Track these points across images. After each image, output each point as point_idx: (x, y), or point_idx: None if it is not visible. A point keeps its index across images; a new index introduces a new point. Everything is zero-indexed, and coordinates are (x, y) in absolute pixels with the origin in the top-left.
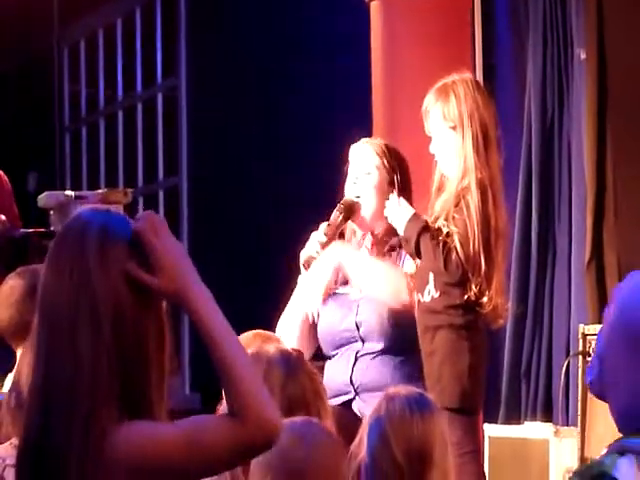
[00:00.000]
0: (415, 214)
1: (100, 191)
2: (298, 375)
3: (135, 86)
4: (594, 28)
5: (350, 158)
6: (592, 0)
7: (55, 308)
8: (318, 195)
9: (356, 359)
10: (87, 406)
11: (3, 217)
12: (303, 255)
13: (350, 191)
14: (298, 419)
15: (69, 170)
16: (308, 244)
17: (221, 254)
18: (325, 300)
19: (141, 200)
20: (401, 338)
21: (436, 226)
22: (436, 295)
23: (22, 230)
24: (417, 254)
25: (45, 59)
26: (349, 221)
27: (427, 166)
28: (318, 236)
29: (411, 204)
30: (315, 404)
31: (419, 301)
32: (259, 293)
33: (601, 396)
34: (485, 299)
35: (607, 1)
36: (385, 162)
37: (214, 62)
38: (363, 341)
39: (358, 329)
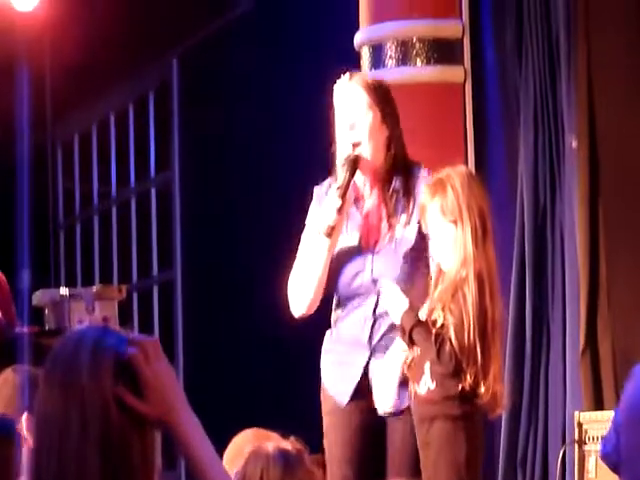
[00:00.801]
0: (411, 306)
1: (94, 288)
2: (297, 473)
3: (129, 181)
4: (585, 116)
5: (337, 100)
6: (583, 88)
7: (48, 421)
8: None
9: (375, 319)
10: None
11: None
12: (323, 223)
13: (347, 137)
14: None
15: (63, 267)
16: (325, 211)
17: (215, 347)
18: (345, 247)
19: (135, 295)
20: (414, 292)
21: (432, 317)
22: (432, 386)
23: (17, 329)
24: (411, 344)
25: (39, 155)
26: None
27: None
28: (332, 202)
29: (399, 129)
30: None
31: (415, 392)
32: (255, 386)
33: (615, 469)
34: (482, 389)
35: (597, 89)
36: (376, 99)
37: (207, 156)
38: (378, 296)
39: (375, 284)
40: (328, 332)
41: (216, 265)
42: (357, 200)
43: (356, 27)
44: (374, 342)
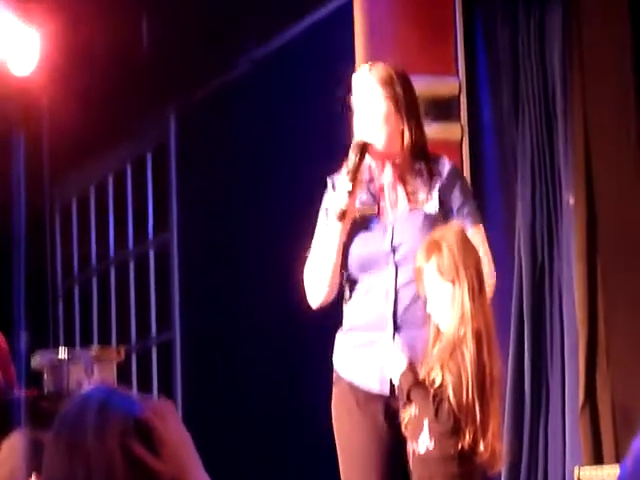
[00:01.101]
0: (409, 366)
1: (93, 350)
2: None
3: (127, 243)
4: (582, 173)
5: (354, 90)
6: (579, 145)
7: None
8: (317, 340)
9: (396, 293)
10: None
11: None
12: (335, 207)
13: (360, 126)
14: None
15: (62, 329)
16: (336, 195)
17: (215, 408)
18: (359, 222)
19: (134, 357)
20: None
21: (430, 377)
22: (431, 445)
23: (15, 392)
24: (409, 403)
25: (37, 219)
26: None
27: None
28: (343, 186)
29: (417, 119)
30: None
31: (414, 452)
32: (256, 447)
33: None
34: (482, 447)
35: (594, 146)
36: (388, 90)
37: (206, 218)
38: (397, 267)
39: (394, 253)
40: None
41: (215, 327)
42: (372, 181)
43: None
44: (399, 316)
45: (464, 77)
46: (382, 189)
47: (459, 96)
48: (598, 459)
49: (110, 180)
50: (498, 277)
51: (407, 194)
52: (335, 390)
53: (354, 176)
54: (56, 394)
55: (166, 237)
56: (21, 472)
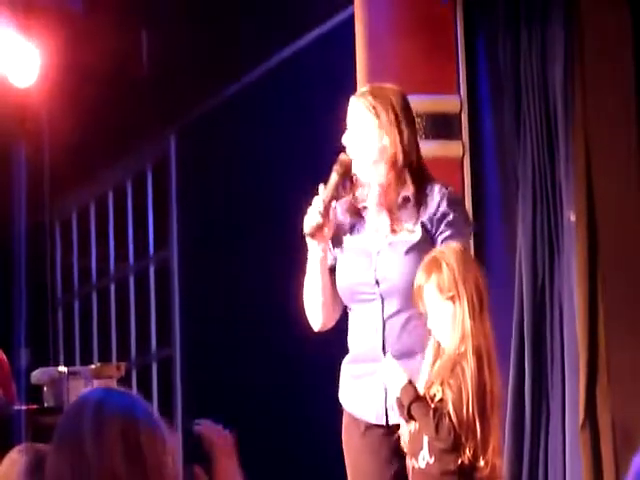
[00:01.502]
0: (409, 382)
1: (93, 366)
2: None
3: (127, 258)
4: (584, 191)
5: (349, 109)
6: (581, 163)
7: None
8: (319, 354)
9: (384, 323)
10: None
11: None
12: (307, 223)
13: (348, 144)
14: None
15: (62, 345)
16: (310, 210)
17: (215, 421)
18: (342, 249)
19: (134, 372)
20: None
21: (431, 392)
22: (431, 461)
23: (15, 407)
24: (410, 419)
25: (37, 233)
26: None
27: None
28: (318, 202)
29: (407, 139)
30: None
31: (413, 467)
32: (258, 462)
33: None
34: (482, 462)
35: (596, 164)
36: (373, 111)
37: (206, 234)
38: (382, 299)
39: (378, 285)
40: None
41: (215, 342)
42: (359, 210)
43: None
44: (387, 348)
45: (465, 95)
46: (366, 215)
47: (460, 114)
48: (598, 478)
49: (110, 196)
50: (499, 295)
51: (391, 222)
52: (344, 418)
53: (331, 192)
54: (56, 409)
55: (166, 253)
56: None
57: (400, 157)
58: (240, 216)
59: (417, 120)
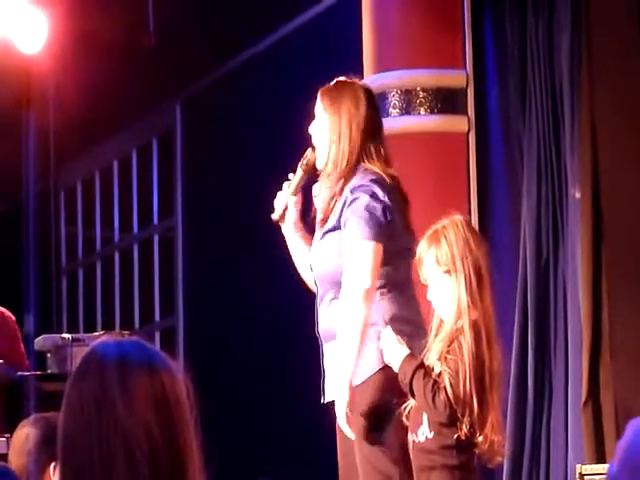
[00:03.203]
0: (410, 354)
1: (97, 334)
2: None
3: (131, 227)
4: (589, 167)
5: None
6: (586, 139)
7: (81, 450)
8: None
9: (317, 311)
10: None
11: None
12: (274, 210)
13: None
14: None
15: (66, 312)
16: (276, 200)
17: (217, 391)
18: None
19: None
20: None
21: (431, 365)
22: (430, 435)
23: (19, 373)
24: (411, 393)
25: (42, 201)
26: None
27: None
28: (283, 194)
29: (339, 137)
30: None
31: (414, 441)
32: (257, 431)
33: None
34: (480, 438)
35: (601, 140)
36: (325, 106)
37: (210, 203)
38: (317, 285)
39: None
40: None
41: (218, 312)
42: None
43: (360, 76)
44: (320, 332)
45: (471, 70)
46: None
47: (466, 89)
48: (600, 456)
49: (115, 165)
50: (502, 270)
51: (324, 216)
52: None
53: (295, 188)
54: (60, 375)
55: (171, 222)
56: (38, 463)
57: (331, 153)
58: (246, 186)
59: (423, 94)
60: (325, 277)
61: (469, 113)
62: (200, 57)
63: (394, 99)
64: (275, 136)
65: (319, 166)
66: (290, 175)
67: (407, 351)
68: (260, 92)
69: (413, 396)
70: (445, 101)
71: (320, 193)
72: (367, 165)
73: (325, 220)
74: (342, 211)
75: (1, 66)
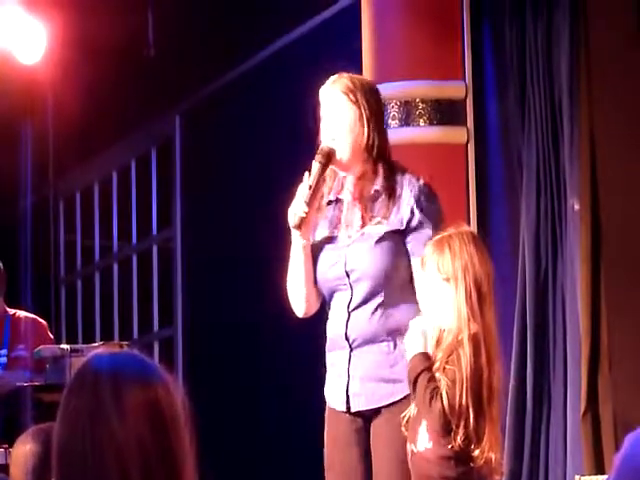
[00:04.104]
0: (425, 353)
1: (95, 345)
2: None
3: (130, 237)
4: (587, 178)
5: (322, 102)
6: (585, 150)
7: (74, 462)
8: (320, 336)
9: (349, 314)
10: None
11: None
12: (291, 214)
13: (325, 137)
14: None
15: (64, 322)
16: (295, 201)
17: (216, 401)
18: (319, 244)
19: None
20: (392, 280)
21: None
22: (429, 445)
23: (17, 383)
24: (413, 390)
25: (41, 211)
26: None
27: None
28: (303, 193)
29: (381, 130)
30: None
31: (412, 451)
32: (258, 443)
33: None
34: (477, 452)
35: (600, 151)
36: (352, 99)
37: (209, 214)
38: (352, 290)
39: (348, 277)
40: None
41: (217, 322)
42: (335, 201)
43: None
44: (351, 338)
45: (471, 81)
46: (341, 207)
47: (465, 100)
48: (599, 468)
49: (114, 175)
50: (502, 283)
51: (363, 215)
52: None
53: (315, 182)
54: (58, 386)
55: (169, 233)
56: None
57: (376, 149)
58: (244, 195)
59: (422, 106)
60: (373, 280)
61: (468, 124)
62: (199, 68)
63: (393, 110)
64: (274, 147)
65: (343, 158)
66: (306, 174)
67: (424, 349)
68: (259, 103)
69: (414, 393)
70: (444, 112)
71: (342, 188)
72: (397, 162)
73: (365, 218)
74: (408, 209)
75: (0, 76)
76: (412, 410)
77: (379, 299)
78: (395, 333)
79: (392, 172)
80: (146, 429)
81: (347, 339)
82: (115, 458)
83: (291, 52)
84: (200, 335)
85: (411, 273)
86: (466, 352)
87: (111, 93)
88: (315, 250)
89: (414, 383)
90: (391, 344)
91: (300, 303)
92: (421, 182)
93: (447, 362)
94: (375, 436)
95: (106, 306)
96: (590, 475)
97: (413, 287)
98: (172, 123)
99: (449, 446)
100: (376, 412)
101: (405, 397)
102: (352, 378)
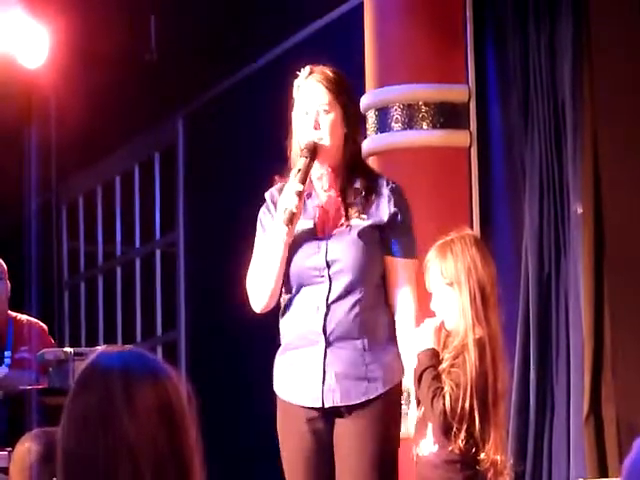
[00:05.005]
0: (434, 350)
1: (98, 348)
2: None
3: (134, 242)
4: (591, 183)
5: (299, 92)
6: (588, 154)
7: (83, 463)
8: None
9: (328, 307)
10: None
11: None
12: (282, 209)
13: (307, 130)
14: None
15: (68, 326)
16: (285, 197)
17: (219, 405)
18: (296, 235)
19: None
20: (371, 276)
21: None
22: (434, 449)
23: (21, 387)
24: (418, 385)
25: (44, 215)
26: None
27: None
28: (293, 186)
29: (358, 135)
30: None
31: (417, 455)
32: (256, 448)
33: None
34: (482, 455)
35: (603, 155)
36: (337, 96)
37: (212, 218)
38: (330, 282)
39: (329, 268)
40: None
41: (220, 326)
42: (310, 194)
43: (362, 90)
44: (329, 331)
45: (474, 84)
46: (322, 206)
47: (468, 103)
48: (602, 471)
49: (117, 179)
50: (504, 287)
51: (346, 208)
52: (277, 407)
53: (304, 177)
54: (62, 390)
55: (173, 237)
56: (39, 473)
57: (352, 147)
58: (247, 200)
59: (425, 109)
60: (354, 273)
61: (471, 128)
62: (202, 72)
63: (396, 113)
64: (277, 151)
65: (327, 152)
66: (293, 170)
67: (434, 346)
68: (262, 107)
69: (419, 387)
70: (447, 116)
71: (322, 181)
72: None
73: (345, 211)
74: (389, 208)
75: (3, 81)
76: (419, 412)
77: (357, 295)
78: (369, 333)
79: (371, 170)
80: (157, 426)
81: (325, 333)
82: (127, 456)
83: (294, 56)
84: (203, 339)
85: (383, 271)
86: (471, 356)
87: (114, 98)
88: (294, 240)
89: (419, 378)
90: (366, 342)
91: (264, 297)
92: (397, 185)
93: (452, 365)
94: (342, 433)
95: (109, 310)
96: (593, 478)
97: (385, 288)
98: (175, 128)
99: (450, 448)
100: (348, 409)
101: (378, 397)
102: (328, 374)
